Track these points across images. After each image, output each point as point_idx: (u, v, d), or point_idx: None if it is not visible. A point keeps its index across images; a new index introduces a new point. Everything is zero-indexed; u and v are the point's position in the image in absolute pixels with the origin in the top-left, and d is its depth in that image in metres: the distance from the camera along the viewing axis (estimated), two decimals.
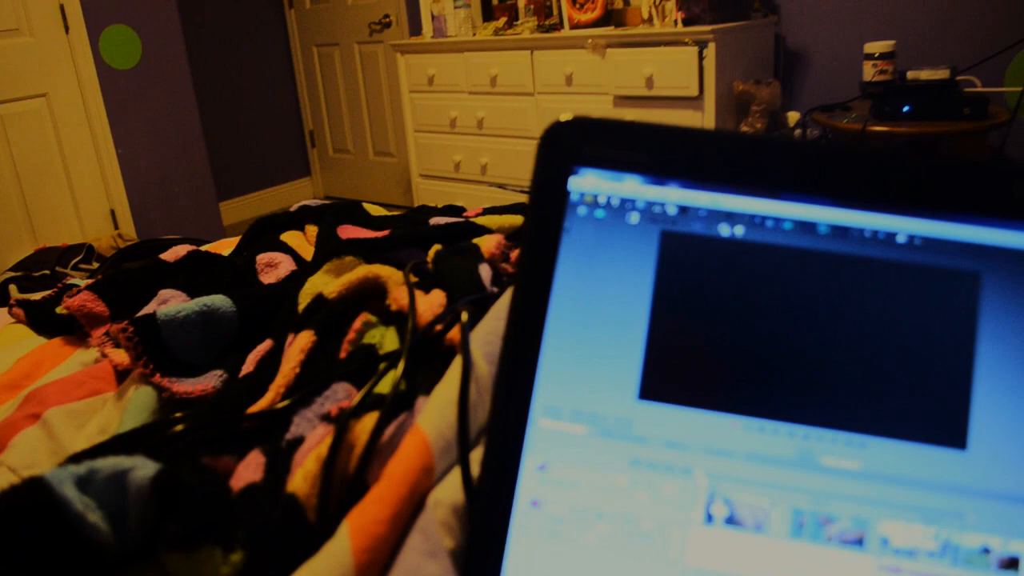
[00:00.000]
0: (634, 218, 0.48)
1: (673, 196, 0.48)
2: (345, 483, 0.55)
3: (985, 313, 0.45)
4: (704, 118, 3.03)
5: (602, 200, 0.48)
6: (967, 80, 2.77)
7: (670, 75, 3.07)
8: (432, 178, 4.25)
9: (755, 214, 0.47)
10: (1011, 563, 0.42)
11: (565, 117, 0.49)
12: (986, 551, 0.42)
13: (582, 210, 0.48)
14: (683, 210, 0.47)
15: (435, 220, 1.14)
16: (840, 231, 0.46)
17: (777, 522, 0.44)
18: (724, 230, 0.47)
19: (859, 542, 0.43)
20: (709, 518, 0.44)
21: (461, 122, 3.98)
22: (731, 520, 0.44)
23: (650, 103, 3.18)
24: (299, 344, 0.71)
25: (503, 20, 3.82)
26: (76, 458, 0.57)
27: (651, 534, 0.45)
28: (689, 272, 0.47)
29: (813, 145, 0.48)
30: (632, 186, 0.48)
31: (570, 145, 0.49)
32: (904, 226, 0.46)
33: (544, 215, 0.48)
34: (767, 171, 0.47)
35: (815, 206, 0.47)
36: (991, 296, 0.45)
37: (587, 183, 0.48)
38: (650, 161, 0.48)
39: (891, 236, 0.46)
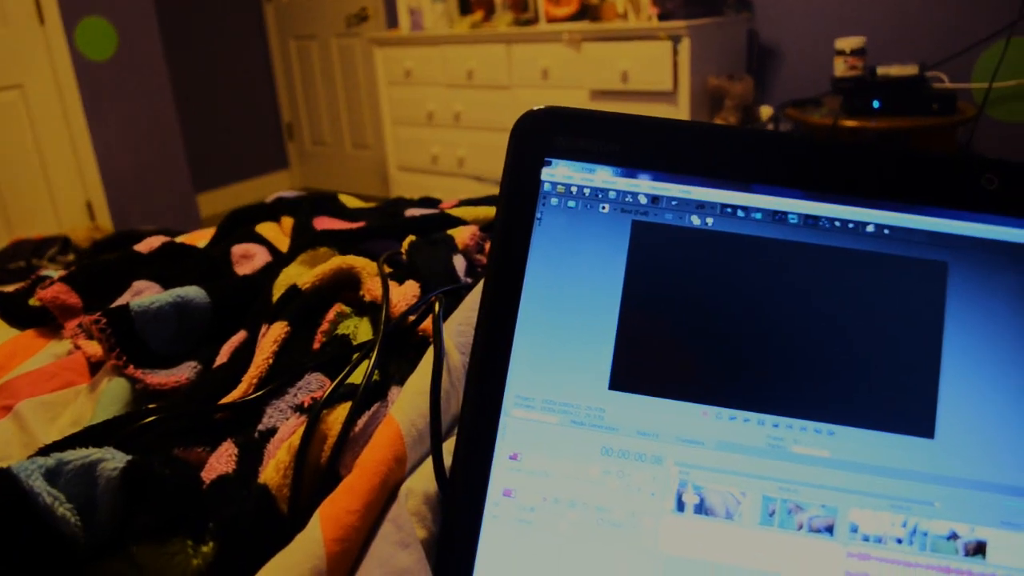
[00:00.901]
0: (606, 208, 0.48)
1: (644, 186, 0.48)
2: (317, 474, 0.55)
3: (952, 302, 0.45)
4: (678, 113, 3.04)
5: (574, 190, 0.48)
6: (935, 76, 2.80)
7: (645, 70, 3.08)
8: (410, 171, 4.24)
9: (726, 204, 0.47)
10: (978, 548, 0.43)
11: (537, 108, 0.49)
12: (954, 537, 0.43)
13: (554, 200, 0.48)
14: (654, 200, 0.48)
15: (411, 212, 1.14)
16: (810, 221, 0.46)
17: (747, 510, 0.44)
18: (695, 220, 0.47)
19: (828, 529, 0.44)
20: (680, 506, 0.45)
21: (438, 115, 3.98)
22: (702, 508, 0.45)
23: (625, 97, 3.19)
24: (272, 335, 0.71)
25: (480, 14, 3.82)
26: (46, 450, 0.57)
27: (623, 522, 0.45)
28: (660, 262, 0.47)
29: (784, 137, 0.49)
30: (604, 176, 0.48)
31: (542, 136, 0.49)
32: (873, 216, 0.46)
33: (516, 205, 0.48)
34: (738, 162, 0.47)
35: (786, 197, 0.47)
36: (958, 285, 0.45)
37: (559, 174, 0.48)
38: (621, 152, 0.48)
39: (861, 226, 0.46)
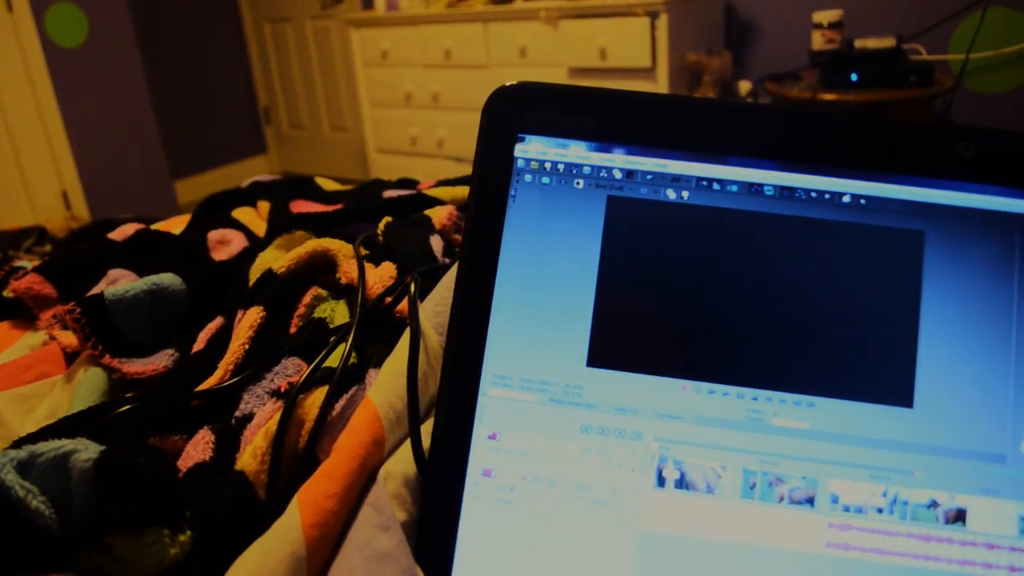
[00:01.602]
0: (580, 184, 0.47)
1: (619, 161, 0.47)
2: (295, 459, 0.55)
3: (929, 271, 0.45)
4: (657, 88, 3.04)
5: (548, 166, 0.48)
6: (913, 48, 2.81)
7: (623, 46, 3.07)
8: (389, 153, 4.22)
9: (701, 177, 0.47)
10: (958, 516, 0.43)
11: (509, 84, 0.49)
12: (934, 505, 0.43)
13: (528, 177, 0.48)
14: (629, 175, 0.47)
15: (388, 193, 1.13)
16: (786, 192, 0.46)
17: (728, 484, 0.44)
18: (670, 194, 0.47)
19: (809, 501, 0.44)
20: (661, 482, 0.44)
21: (416, 96, 3.95)
22: (682, 483, 0.44)
23: (604, 74, 3.18)
24: (248, 320, 0.70)
25: None
26: (19, 443, 0.56)
27: (604, 499, 0.45)
28: (636, 237, 0.46)
29: (758, 108, 0.48)
30: (578, 152, 0.48)
31: (515, 112, 0.48)
32: (850, 187, 0.46)
33: (490, 183, 0.48)
34: (712, 135, 0.47)
35: (761, 169, 0.46)
36: (935, 254, 0.45)
37: (533, 150, 0.48)
38: (595, 127, 0.47)
39: (837, 196, 0.46)
